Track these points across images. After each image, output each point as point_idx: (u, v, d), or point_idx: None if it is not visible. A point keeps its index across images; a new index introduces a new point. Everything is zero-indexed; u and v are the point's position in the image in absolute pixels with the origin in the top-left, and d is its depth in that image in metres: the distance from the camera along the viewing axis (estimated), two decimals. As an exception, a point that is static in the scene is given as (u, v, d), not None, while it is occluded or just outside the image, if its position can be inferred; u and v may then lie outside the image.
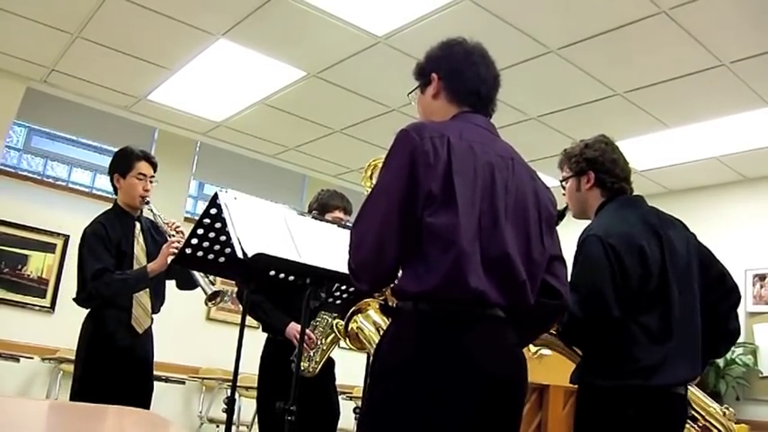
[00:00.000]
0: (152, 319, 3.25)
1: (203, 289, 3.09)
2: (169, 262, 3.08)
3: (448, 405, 1.59)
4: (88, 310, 3.20)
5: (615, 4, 3.99)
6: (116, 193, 3.36)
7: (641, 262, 2.20)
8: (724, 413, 2.42)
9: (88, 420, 1.51)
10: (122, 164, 3.32)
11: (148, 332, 3.24)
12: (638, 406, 2.14)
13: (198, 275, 3.09)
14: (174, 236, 3.21)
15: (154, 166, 3.36)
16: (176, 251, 3.04)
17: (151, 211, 3.31)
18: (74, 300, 3.19)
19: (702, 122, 5.38)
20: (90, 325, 3.15)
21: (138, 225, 3.32)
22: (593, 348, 2.29)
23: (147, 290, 3.20)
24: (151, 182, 3.33)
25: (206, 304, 3.09)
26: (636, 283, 2.18)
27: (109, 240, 3.18)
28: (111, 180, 3.36)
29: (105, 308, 3.12)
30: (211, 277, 3.10)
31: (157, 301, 3.29)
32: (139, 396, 3.07)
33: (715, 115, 5.23)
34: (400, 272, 1.75)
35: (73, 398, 3.12)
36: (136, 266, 3.20)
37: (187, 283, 3.28)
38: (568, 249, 2.24)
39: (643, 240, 2.23)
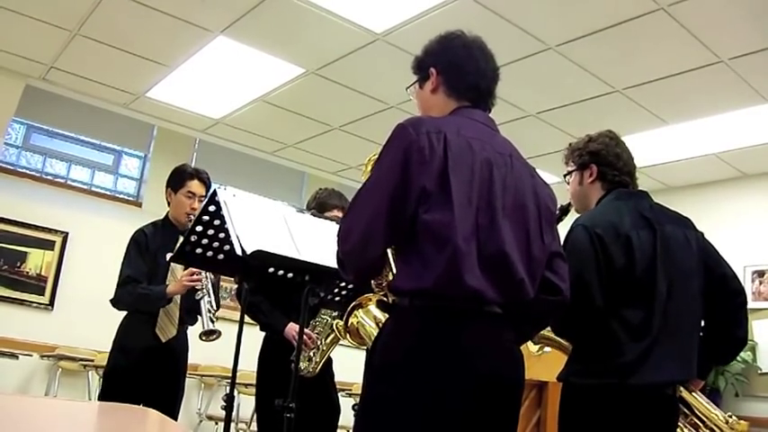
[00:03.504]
0: (180, 330, 3.33)
1: (203, 322, 3.16)
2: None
3: (444, 402, 1.59)
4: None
5: (614, 0, 3.99)
6: (168, 206, 3.51)
7: (627, 252, 2.16)
8: (727, 421, 2.32)
9: (86, 418, 1.51)
10: (175, 180, 3.48)
11: (180, 340, 3.35)
12: (616, 406, 2.09)
13: (204, 309, 3.18)
14: None
15: (206, 184, 3.50)
16: (192, 283, 3.20)
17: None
18: (110, 300, 3.32)
19: (701, 119, 5.38)
20: (122, 329, 3.33)
21: (181, 239, 3.36)
22: (574, 343, 2.26)
23: (178, 302, 3.32)
24: (200, 200, 3.44)
25: (200, 338, 3.17)
26: (620, 274, 2.14)
27: (146, 249, 3.35)
28: (166, 193, 3.51)
29: (137, 313, 3.28)
30: (213, 315, 3.19)
31: (188, 314, 3.36)
32: (164, 398, 3.14)
33: (714, 112, 5.23)
34: (395, 269, 1.75)
35: (101, 394, 3.35)
36: (170, 278, 3.31)
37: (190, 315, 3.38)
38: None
39: (632, 231, 2.19)
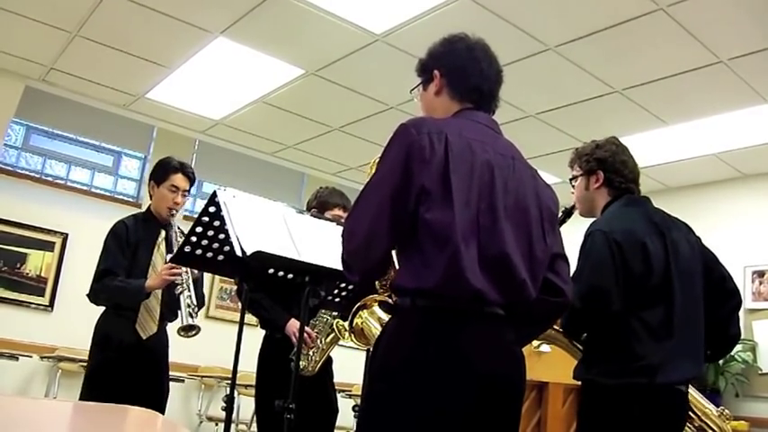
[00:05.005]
0: (160, 327, 3.26)
1: (182, 317, 3.06)
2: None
3: (445, 402, 1.59)
4: (102, 309, 3.27)
5: (614, 1, 3.99)
6: (151, 199, 3.43)
7: (643, 258, 2.24)
8: (720, 414, 2.46)
9: (85, 419, 1.52)
10: (159, 173, 3.38)
11: (160, 336, 3.27)
12: (643, 403, 2.17)
13: (183, 303, 3.08)
14: None
15: (190, 179, 3.41)
16: (171, 277, 3.10)
17: (170, 224, 3.34)
18: (86, 295, 3.24)
19: (701, 119, 5.38)
20: (102, 324, 3.23)
21: (162, 232, 3.35)
22: (594, 344, 2.32)
23: (159, 297, 3.24)
24: (184, 195, 3.37)
25: (178, 333, 3.08)
26: (638, 279, 2.22)
27: (126, 241, 3.25)
28: (148, 186, 3.42)
29: (116, 308, 3.19)
30: (193, 310, 3.09)
31: (169, 310, 3.28)
32: (149, 397, 3.07)
33: (713, 112, 5.24)
34: (398, 267, 1.76)
35: (82, 396, 3.18)
36: (151, 272, 3.23)
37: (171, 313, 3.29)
38: (576, 246, 2.28)
39: (646, 237, 2.27)
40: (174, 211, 3.34)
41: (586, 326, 2.29)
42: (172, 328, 3.34)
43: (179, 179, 3.35)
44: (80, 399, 3.23)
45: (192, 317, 3.05)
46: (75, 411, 1.66)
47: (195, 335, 3.08)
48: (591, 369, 2.29)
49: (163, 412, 3.23)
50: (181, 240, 3.22)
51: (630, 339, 2.21)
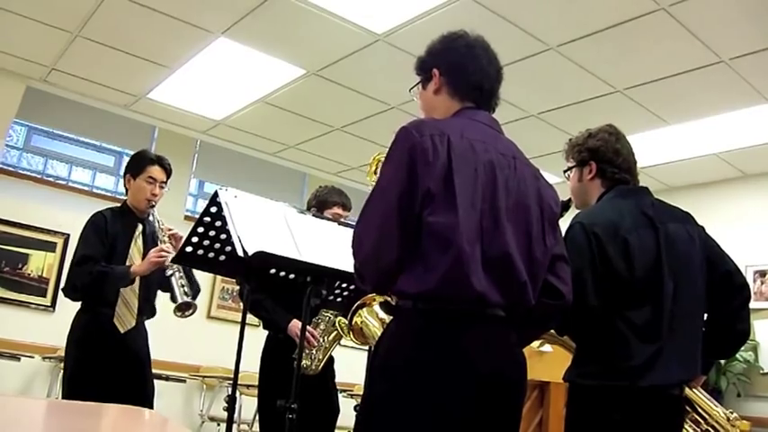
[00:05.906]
0: (139, 322, 3.21)
1: (176, 296, 3.05)
2: (169, 260, 3.08)
3: (446, 405, 1.59)
4: (79, 306, 3.21)
5: (615, 0, 3.99)
6: (127, 193, 3.38)
7: (625, 253, 2.14)
8: (728, 418, 2.32)
9: (85, 419, 1.51)
10: (135, 165, 3.34)
11: (140, 331, 3.23)
12: (625, 408, 2.08)
13: (175, 284, 3.06)
14: (165, 242, 3.20)
15: (167, 171, 3.37)
16: (161, 259, 3.08)
17: (151, 215, 3.32)
18: (62, 290, 3.18)
19: (702, 119, 5.38)
20: (78, 322, 3.18)
21: (140, 226, 3.32)
22: (580, 345, 2.24)
23: (136, 290, 3.19)
24: (161, 187, 3.34)
25: (174, 313, 3.05)
26: (620, 274, 2.12)
27: (105, 232, 3.20)
28: (124, 179, 3.38)
29: (93, 305, 3.13)
30: (187, 289, 3.07)
31: (146, 305, 3.26)
32: (135, 394, 3.05)
33: (714, 112, 5.23)
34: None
35: (64, 395, 3.13)
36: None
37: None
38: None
39: (632, 231, 2.17)
40: (153, 203, 3.30)
41: (570, 322, 2.15)
42: (151, 325, 3.32)
43: (156, 170, 3.32)
44: (63, 398, 3.17)
45: (186, 295, 3.03)
46: (76, 411, 1.66)
47: (192, 314, 3.06)
48: (574, 370, 2.22)
49: (152, 408, 3.17)
50: (163, 232, 3.24)
51: (615, 340, 2.11)
